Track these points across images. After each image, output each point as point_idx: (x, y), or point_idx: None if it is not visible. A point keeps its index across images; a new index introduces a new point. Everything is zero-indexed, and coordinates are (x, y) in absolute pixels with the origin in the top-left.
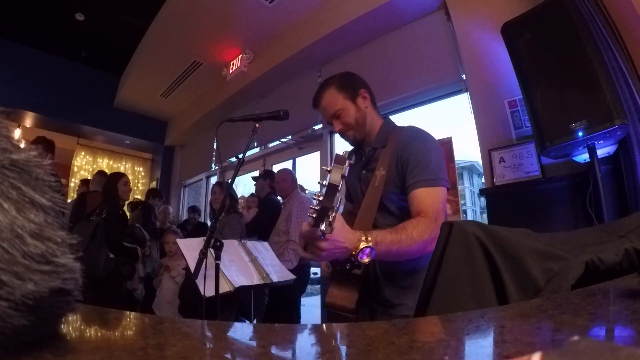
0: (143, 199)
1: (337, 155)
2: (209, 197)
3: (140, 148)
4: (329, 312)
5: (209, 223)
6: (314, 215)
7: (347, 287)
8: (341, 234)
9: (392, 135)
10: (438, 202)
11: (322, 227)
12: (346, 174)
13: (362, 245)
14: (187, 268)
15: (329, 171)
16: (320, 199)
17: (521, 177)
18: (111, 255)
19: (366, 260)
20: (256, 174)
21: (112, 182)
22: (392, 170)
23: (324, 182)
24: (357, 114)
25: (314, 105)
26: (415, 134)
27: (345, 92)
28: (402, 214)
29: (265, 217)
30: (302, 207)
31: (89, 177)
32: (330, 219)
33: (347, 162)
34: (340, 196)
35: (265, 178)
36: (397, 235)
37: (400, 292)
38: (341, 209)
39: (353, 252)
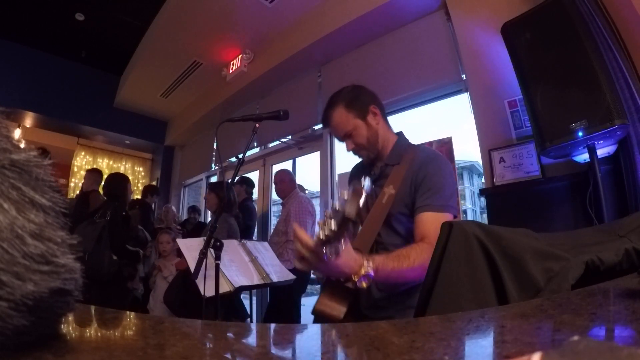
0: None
1: (355, 186)
2: None
3: (140, 148)
4: (316, 318)
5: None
6: (321, 237)
7: (338, 297)
8: (345, 261)
9: (406, 153)
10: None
11: (327, 251)
12: (361, 206)
13: (363, 271)
14: (179, 271)
15: (346, 200)
16: (333, 228)
17: (521, 177)
18: (114, 258)
19: (364, 285)
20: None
21: (122, 184)
22: (404, 189)
23: (337, 208)
24: (368, 132)
25: (323, 125)
26: (434, 157)
27: (354, 111)
28: (409, 235)
29: (241, 221)
30: (301, 207)
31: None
32: (339, 248)
33: (364, 194)
34: (351, 228)
35: (242, 184)
36: (399, 263)
37: (392, 297)
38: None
39: (354, 278)
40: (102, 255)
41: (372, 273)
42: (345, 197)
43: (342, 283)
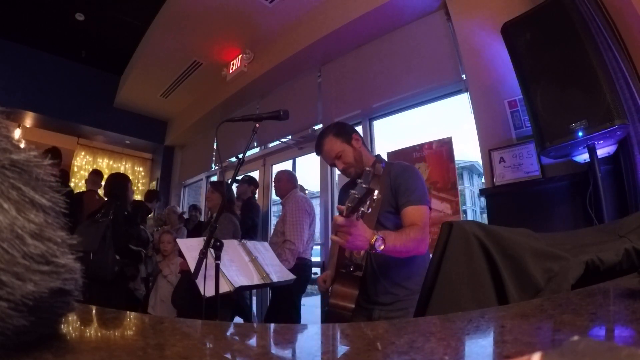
0: (142, 199)
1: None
2: None
3: (140, 148)
4: (329, 312)
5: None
6: (350, 204)
7: (348, 286)
8: (364, 227)
9: (385, 168)
10: (424, 217)
11: (363, 208)
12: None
13: (376, 237)
14: (182, 271)
15: (370, 170)
16: (365, 185)
17: (521, 177)
18: (117, 257)
19: (382, 247)
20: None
21: (123, 183)
22: (387, 193)
23: (361, 181)
24: (354, 153)
25: (317, 152)
26: (405, 167)
27: (341, 137)
28: (395, 228)
29: (247, 218)
30: (297, 206)
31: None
32: (372, 200)
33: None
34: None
35: (250, 184)
36: (399, 235)
37: (394, 287)
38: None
39: (371, 242)
40: (107, 255)
41: (383, 237)
42: (369, 169)
43: (352, 273)
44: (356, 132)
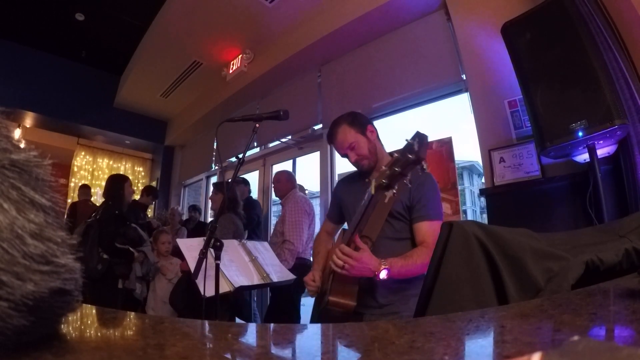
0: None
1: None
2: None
3: (140, 148)
4: (324, 310)
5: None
6: (386, 178)
7: (348, 282)
8: (370, 258)
9: None
10: (437, 234)
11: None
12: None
13: (382, 267)
14: (182, 272)
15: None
16: (411, 156)
17: (521, 177)
18: (105, 256)
19: (385, 277)
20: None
21: (118, 184)
22: (404, 197)
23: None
24: (368, 145)
25: (329, 142)
26: (427, 178)
27: (355, 127)
28: (402, 229)
29: (253, 215)
30: (297, 206)
31: (87, 183)
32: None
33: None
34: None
35: (245, 185)
36: (405, 261)
37: (386, 290)
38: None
39: (375, 272)
40: (90, 253)
41: (389, 267)
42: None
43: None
44: (371, 123)
